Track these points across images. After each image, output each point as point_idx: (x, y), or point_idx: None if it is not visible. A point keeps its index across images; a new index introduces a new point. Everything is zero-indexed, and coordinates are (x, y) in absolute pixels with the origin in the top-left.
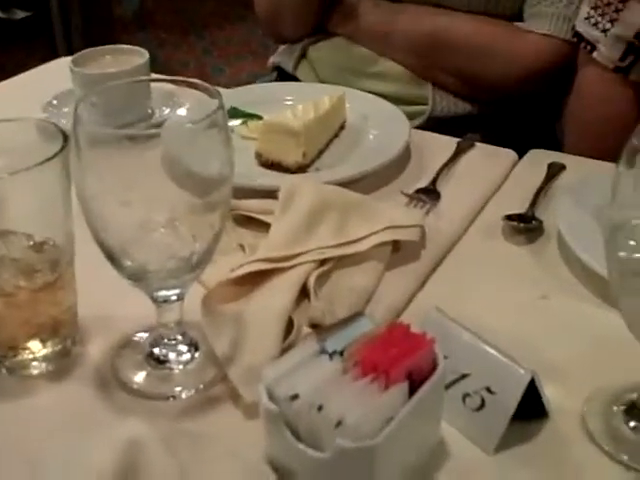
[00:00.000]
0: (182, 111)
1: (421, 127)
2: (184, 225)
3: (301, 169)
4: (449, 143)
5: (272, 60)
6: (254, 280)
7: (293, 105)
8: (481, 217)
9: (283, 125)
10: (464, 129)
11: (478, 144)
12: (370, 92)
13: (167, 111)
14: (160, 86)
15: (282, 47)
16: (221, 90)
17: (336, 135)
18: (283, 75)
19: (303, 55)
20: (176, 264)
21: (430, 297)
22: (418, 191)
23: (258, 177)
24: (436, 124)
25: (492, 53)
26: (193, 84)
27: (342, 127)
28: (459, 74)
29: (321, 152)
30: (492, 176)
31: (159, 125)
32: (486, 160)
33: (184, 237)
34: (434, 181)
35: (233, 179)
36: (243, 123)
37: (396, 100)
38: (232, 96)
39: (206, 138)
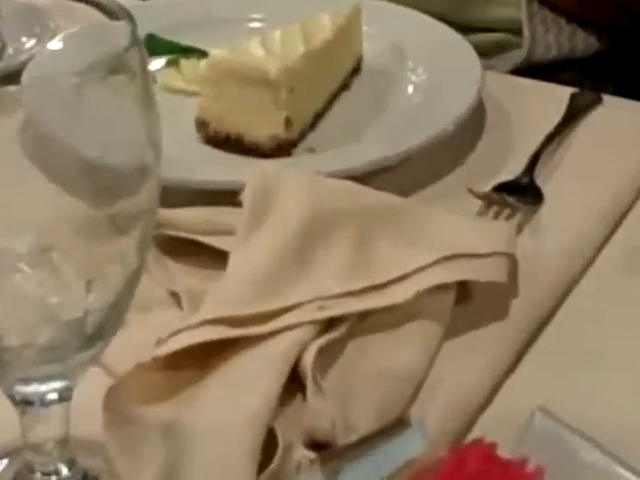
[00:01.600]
0: (57, 44)
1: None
2: (68, 260)
3: (282, 150)
4: (556, 96)
5: None
6: (201, 360)
7: (264, 29)
8: (619, 235)
9: (248, 67)
10: (580, 75)
11: (607, 98)
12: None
13: (30, 44)
14: None
15: None
16: (131, 2)
17: (345, 86)
18: None
19: None
20: (55, 334)
21: (528, 388)
22: (501, 187)
23: (203, 165)
24: (532, 70)
25: None
26: None
27: (356, 70)
28: None
29: (318, 118)
30: (636, 155)
31: (15, 73)
32: (624, 126)
33: (69, 282)
34: (531, 169)
35: (159, 171)
36: (171, 64)
37: (455, 25)
38: (150, 13)
39: (105, 98)
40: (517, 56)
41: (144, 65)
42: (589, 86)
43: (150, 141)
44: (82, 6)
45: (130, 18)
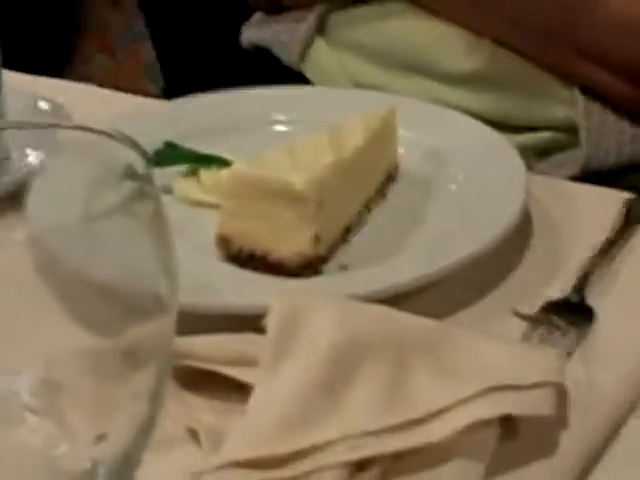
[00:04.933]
0: (65, 160)
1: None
2: (77, 404)
3: (311, 267)
4: (611, 203)
5: (248, 36)
6: None
7: (292, 136)
8: None
9: (273, 180)
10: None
11: None
12: (450, 105)
13: (35, 157)
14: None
15: (270, 16)
16: (148, 104)
17: (380, 195)
18: (272, 67)
19: (319, 30)
20: None
21: None
22: (548, 308)
23: (223, 286)
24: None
25: None
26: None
27: (391, 178)
28: None
29: (348, 233)
30: None
31: (21, 187)
32: None
33: (77, 432)
34: (581, 286)
35: (175, 304)
36: (190, 174)
37: (506, 126)
38: (169, 118)
39: (115, 222)
40: (572, 160)
41: (154, 189)
42: None
43: (165, 271)
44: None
45: (136, 145)
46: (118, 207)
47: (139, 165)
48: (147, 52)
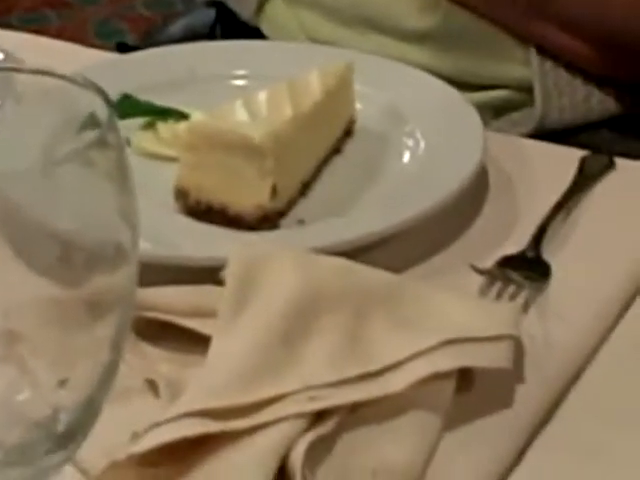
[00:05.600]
0: (22, 109)
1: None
2: (38, 352)
3: (269, 221)
4: (566, 160)
5: None
6: (180, 455)
7: (250, 90)
8: (632, 314)
9: (231, 133)
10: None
11: (621, 162)
12: (406, 63)
13: None
14: None
15: None
16: (104, 57)
17: (336, 150)
18: (229, 22)
19: None
20: (23, 434)
21: None
22: (504, 262)
23: (181, 238)
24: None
25: None
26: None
27: (348, 133)
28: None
29: (307, 185)
30: None
31: None
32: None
33: (39, 379)
34: (537, 241)
35: (137, 253)
36: (148, 127)
37: (462, 84)
38: (127, 69)
39: (75, 171)
40: (528, 118)
41: (119, 140)
42: (601, 149)
43: (126, 220)
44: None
45: (102, 92)
46: (79, 155)
47: (102, 113)
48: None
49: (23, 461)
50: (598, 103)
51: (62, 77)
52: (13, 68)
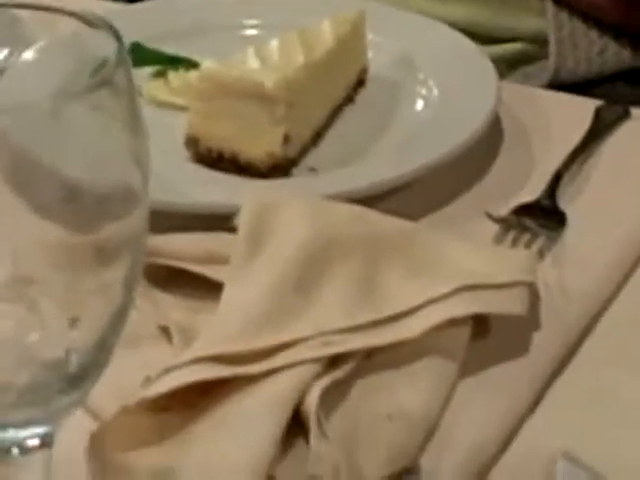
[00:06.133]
0: (32, 55)
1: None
2: (49, 294)
3: (280, 169)
4: (581, 110)
5: None
6: (192, 400)
7: (260, 37)
8: None
9: (242, 80)
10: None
11: (636, 111)
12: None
13: (1, 55)
14: None
15: None
16: (117, 7)
17: (348, 99)
18: None
19: None
20: (35, 375)
21: (549, 429)
22: (520, 210)
23: (193, 186)
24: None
25: None
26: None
27: (360, 82)
28: None
29: (319, 134)
30: None
31: None
32: None
33: (49, 319)
34: (553, 190)
35: (147, 196)
36: (158, 75)
37: (477, 36)
38: (137, 19)
39: (86, 115)
40: (542, 71)
41: (130, 80)
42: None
43: (136, 162)
44: (61, 17)
45: (112, 30)
46: (88, 93)
47: (114, 55)
48: None
49: (36, 401)
50: (613, 55)
51: (72, 14)
52: (20, 4)
